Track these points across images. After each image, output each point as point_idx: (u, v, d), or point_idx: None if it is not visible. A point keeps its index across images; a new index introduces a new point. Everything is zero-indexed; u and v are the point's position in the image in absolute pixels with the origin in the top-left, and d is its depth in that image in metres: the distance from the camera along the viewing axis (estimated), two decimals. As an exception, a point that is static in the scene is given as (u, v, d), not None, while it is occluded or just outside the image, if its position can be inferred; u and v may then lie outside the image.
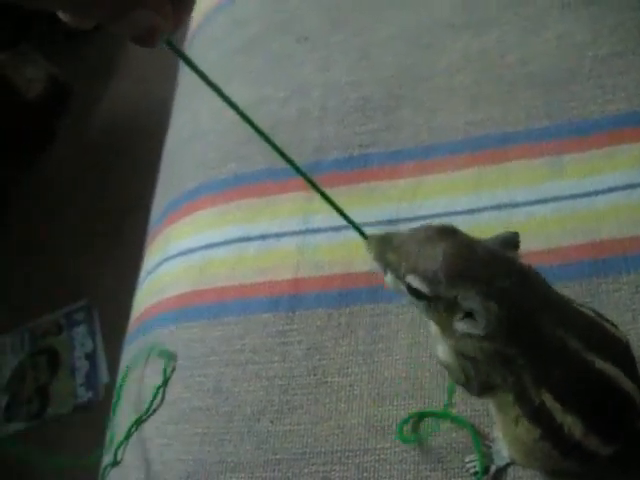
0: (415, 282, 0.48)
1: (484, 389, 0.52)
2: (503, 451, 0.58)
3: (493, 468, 0.62)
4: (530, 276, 0.48)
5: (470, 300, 0.46)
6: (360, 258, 0.76)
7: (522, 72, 0.83)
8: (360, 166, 0.82)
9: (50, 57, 2.24)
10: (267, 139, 0.53)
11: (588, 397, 0.49)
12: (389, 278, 0.50)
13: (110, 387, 1.68)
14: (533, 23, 0.86)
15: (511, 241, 0.49)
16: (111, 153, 2.11)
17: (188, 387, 0.75)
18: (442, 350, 0.53)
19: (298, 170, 0.56)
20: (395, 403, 0.67)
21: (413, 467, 0.64)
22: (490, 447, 0.62)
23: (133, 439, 0.76)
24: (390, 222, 0.77)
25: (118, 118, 2.20)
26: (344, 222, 0.72)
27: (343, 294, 0.74)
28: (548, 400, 0.48)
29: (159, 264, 0.87)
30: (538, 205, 0.73)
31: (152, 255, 0.91)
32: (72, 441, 1.64)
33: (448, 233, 0.49)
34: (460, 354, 0.50)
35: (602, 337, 0.52)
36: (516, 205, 0.74)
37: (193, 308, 0.80)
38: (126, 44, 2.31)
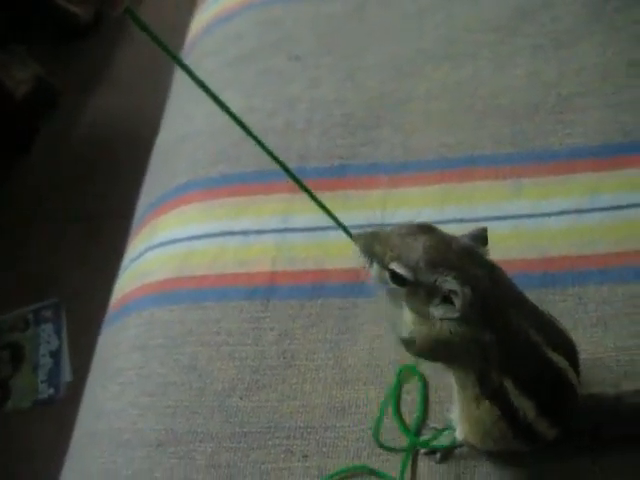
0: (399, 268, 0.54)
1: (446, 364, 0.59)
2: (456, 432, 0.65)
3: (441, 450, 0.68)
4: (497, 270, 0.55)
5: (448, 283, 0.52)
6: (333, 257, 0.83)
7: (493, 104, 0.91)
8: (339, 175, 0.89)
9: (40, 61, 2.28)
10: (251, 134, 0.59)
11: (542, 384, 0.56)
12: (374, 268, 0.57)
13: (72, 386, 1.71)
14: (506, 61, 0.95)
15: (480, 236, 0.56)
16: (92, 160, 2.16)
17: (164, 364, 0.80)
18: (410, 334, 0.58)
19: (286, 170, 0.62)
20: (356, 387, 0.73)
21: (368, 445, 0.70)
22: (438, 429, 0.69)
23: (109, 410, 0.81)
24: (362, 227, 0.83)
25: (102, 126, 2.24)
26: (320, 224, 0.80)
27: (316, 288, 0.81)
28: (509, 385, 0.55)
29: (143, 252, 0.93)
30: (497, 221, 0.81)
31: (137, 244, 0.96)
32: (32, 435, 1.66)
33: (426, 229, 0.56)
34: (434, 339, 0.56)
35: (555, 333, 0.59)
36: (477, 220, 0.81)
37: (174, 293, 0.85)
38: (117, 55, 2.38)
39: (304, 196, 0.64)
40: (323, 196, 0.87)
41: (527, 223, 0.80)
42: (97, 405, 0.84)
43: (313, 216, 0.84)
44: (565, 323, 0.72)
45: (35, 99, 2.22)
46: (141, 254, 0.93)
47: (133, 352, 0.84)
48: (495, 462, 0.66)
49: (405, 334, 0.59)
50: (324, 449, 0.71)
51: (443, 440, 0.68)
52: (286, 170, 0.63)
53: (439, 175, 0.86)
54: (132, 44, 2.40)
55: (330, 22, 1.04)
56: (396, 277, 0.55)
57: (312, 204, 0.64)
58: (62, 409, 1.70)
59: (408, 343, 0.59)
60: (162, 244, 0.91)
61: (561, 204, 0.81)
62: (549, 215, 0.81)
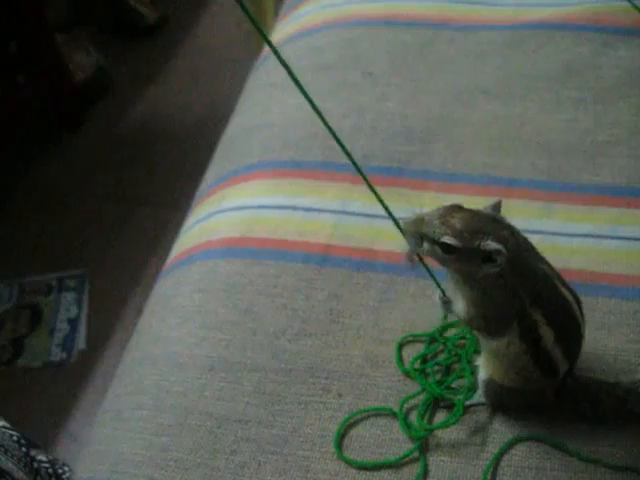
0: (449, 240, 0.67)
1: (498, 330, 0.71)
2: (479, 375, 0.78)
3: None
4: (515, 229, 0.70)
5: (489, 244, 0.66)
6: (381, 240, 0.95)
7: (535, 139, 1.05)
8: (395, 175, 1.02)
9: (101, 51, 2.44)
10: (331, 130, 0.71)
11: (558, 315, 0.71)
12: (425, 246, 0.70)
13: (85, 354, 1.81)
14: (551, 106, 1.09)
15: (497, 206, 0.71)
16: (133, 150, 2.30)
17: (223, 305, 0.92)
18: (462, 307, 0.72)
19: (352, 161, 0.74)
20: (391, 347, 0.85)
21: (396, 392, 0.82)
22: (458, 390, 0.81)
23: (166, 337, 0.92)
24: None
25: (147, 121, 2.38)
26: (374, 212, 0.93)
27: (364, 263, 0.93)
28: (538, 316, 0.69)
29: (211, 215, 1.05)
30: (528, 234, 0.92)
31: (204, 208, 1.08)
32: (41, 394, 1.75)
33: (457, 208, 0.70)
34: (480, 294, 0.70)
35: (561, 277, 0.73)
36: (511, 230, 0.95)
37: (237, 249, 0.98)
38: (172, 58, 2.54)
39: (362, 187, 0.76)
40: (380, 191, 1.00)
41: (553, 239, 0.93)
42: (153, 333, 0.95)
43: (368, 204, 0.97)
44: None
45: (91, 86, 2.37)
46: (209, 216, 1.06)
47: (195, 293, 0.95)
48: (505, 418, 0.78)
49: (460, 311, 0.73)
50: (357, 391, 0.82)
51: (461, 397, 0.80)
52: (352, 161, 0.74)
53: (481, 189, 1.00)
54: (188, 51, 2.57)
55: (403, 49, 1.19)
56: (447, 247, 0.68)
57: (369, 195, 0.76)
58: (72, 374, 1.80)
59: (469, 317, 0.72)
60: (230, 209, 1.04)
61: (584, 228, 0.94)
62: (573, 236, 0.94)
